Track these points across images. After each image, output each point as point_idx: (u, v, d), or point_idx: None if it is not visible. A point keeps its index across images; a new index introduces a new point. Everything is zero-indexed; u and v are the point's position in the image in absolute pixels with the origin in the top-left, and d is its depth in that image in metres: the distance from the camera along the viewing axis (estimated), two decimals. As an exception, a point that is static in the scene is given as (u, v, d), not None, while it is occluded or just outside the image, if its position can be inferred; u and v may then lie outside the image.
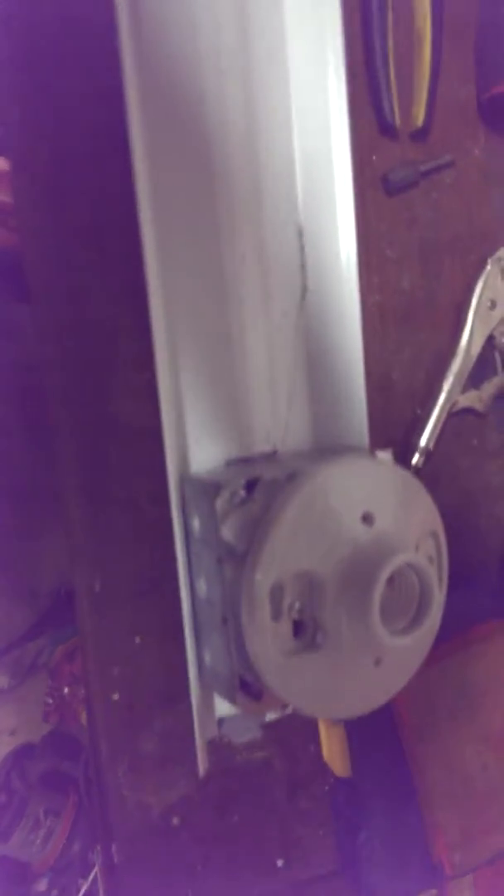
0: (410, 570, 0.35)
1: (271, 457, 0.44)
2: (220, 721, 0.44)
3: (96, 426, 0.48)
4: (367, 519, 0.36)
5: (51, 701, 1.17)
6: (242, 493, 0.36)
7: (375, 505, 0.37)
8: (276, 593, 0.34)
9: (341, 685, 0.36)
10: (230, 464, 0.43)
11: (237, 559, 0.35)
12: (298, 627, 0.35)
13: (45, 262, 0.45)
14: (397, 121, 0.51)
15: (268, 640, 0.34)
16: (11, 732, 1.34)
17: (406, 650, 0.36)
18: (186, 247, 0.44)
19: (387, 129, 0.52)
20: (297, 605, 0.35)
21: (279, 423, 0.47)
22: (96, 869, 1.14)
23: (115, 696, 0.49)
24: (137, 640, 0.49)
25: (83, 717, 1.15)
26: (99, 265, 0.46)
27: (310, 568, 0.34)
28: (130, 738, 0.50)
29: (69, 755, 1.22)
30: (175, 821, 0.51)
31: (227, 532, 0.36)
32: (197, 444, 0.44)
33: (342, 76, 0.47)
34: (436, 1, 0.52)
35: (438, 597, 0.36)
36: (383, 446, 0.53)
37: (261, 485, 0.37)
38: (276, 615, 0.34)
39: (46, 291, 0.46)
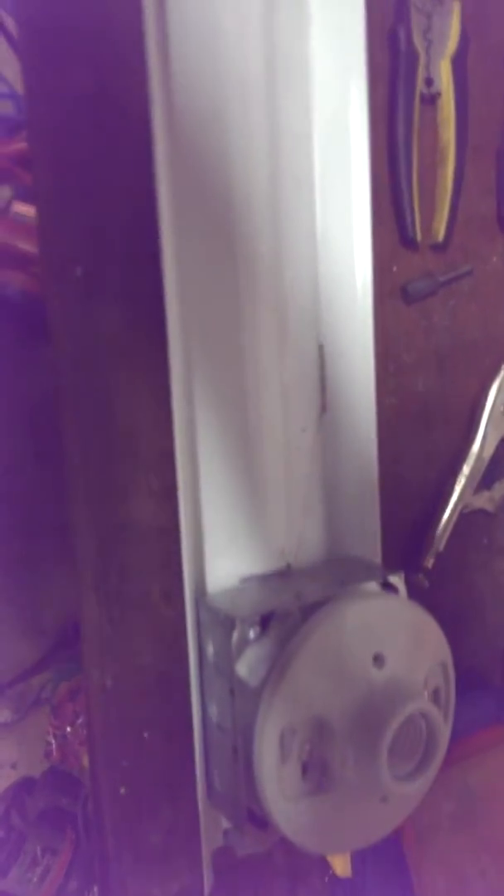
0: (420, 715, 0.36)
1: (285, 574, 0.45)
2: (226, 832, 0.45)
3: (114, 524, 0.49)
4: (378, 660, 0.37)
5: (53, 741, 1.18)
6: (257, 627, 0.38)
7: (387, 644, 0.38)
8: (287, 737, 0.35)
9: (347, 823, 0.37)
10: (245, 582, 0.44)
11: (250, 694, 0.37)
12: (306, 768, 0.36)
13: (74, 365, 0.47)
14: (418, 235, 0.53)
15: (276, 784, 0.35)
16: (13, 766, 1.35)
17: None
18: (211, 363, 0.45)
19: (408, 242, 0.53)
20: (306, 748, 0.36)
21: (294, 535, 0.48)
22: (92, 909, 1.15)
23: (123, 790, 0.50)
24: (146, 734, 0.50)
25: (84, 760, 1.16)
26: (127, 370, 0.47)
27: (321, 712, 0.36)
28: (136, 830, 0.50)
29: (69, 791, 1.23)
30: (177, 911, 0.52)
31: (242, 668, 0.37)
32: (213, 557, 0.45)
33: (367, 196, 0.48)
34: (460, 117, 0.53)
35: (445, 736, 0.37)
36: (394, 543, 0.54)
37: (275, 619, 0.38)
38: (285, 758, 0.35)
39: (76, 395, 0.47)
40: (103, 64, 0.43)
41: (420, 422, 0.57)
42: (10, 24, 1.12)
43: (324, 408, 0.48)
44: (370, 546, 0.48)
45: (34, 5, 0.42)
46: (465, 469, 0.57)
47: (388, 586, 0.43)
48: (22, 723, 1.35)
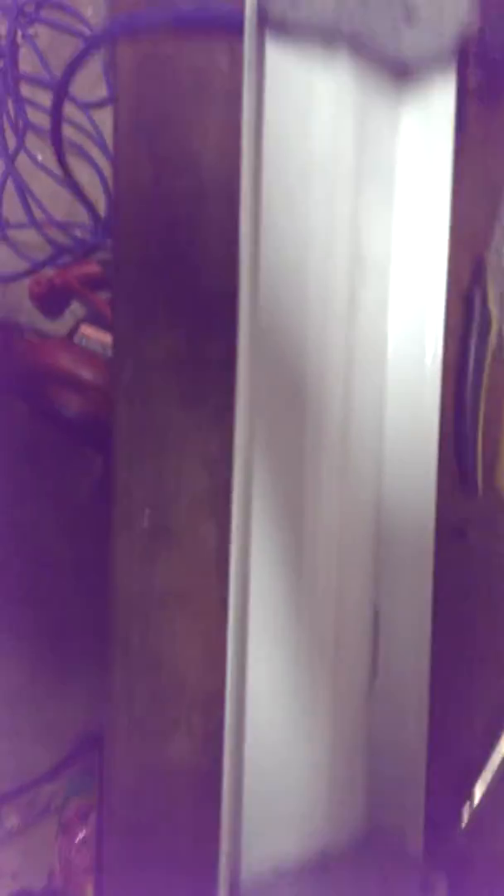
0: None
1: (321, 867, 0.44)
2: None
3: (150, 763, 0.49)
4: None
5: (58, 864, 1.16)
6: None
7: None
8: None
9: None
10: (278, 875, 0.43)
11: None
12: None
13: (131, 611, 0.48)
14: (480, 484, 0.53)
15: None
16: (13, 876, 1.32)
17: None
18: (267, 623, 0.45)
19: (469, 489, 0.53)
20: None
21: (334, 802, 0.46)
22: None
23: None
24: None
25: (88, 893, 1.12)
26: (182, 615, 0.48)
27: None
28: None
29: (67, 911, 1.19)
30: None
31: None
32: (250, 806, 0.44)
33: (434, 455, 0.49)
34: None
35: None
36: (437, 786, 0.52)
37: None
38: None
39: (127, 632, 0.48)
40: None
41: (469, 667, 0.56)
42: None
43: (375, 673, 0.48)
44: (412, 820, 0.47)
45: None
46: (512, 723, 0.55)
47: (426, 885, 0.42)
48: (27, 831, 1.33)
